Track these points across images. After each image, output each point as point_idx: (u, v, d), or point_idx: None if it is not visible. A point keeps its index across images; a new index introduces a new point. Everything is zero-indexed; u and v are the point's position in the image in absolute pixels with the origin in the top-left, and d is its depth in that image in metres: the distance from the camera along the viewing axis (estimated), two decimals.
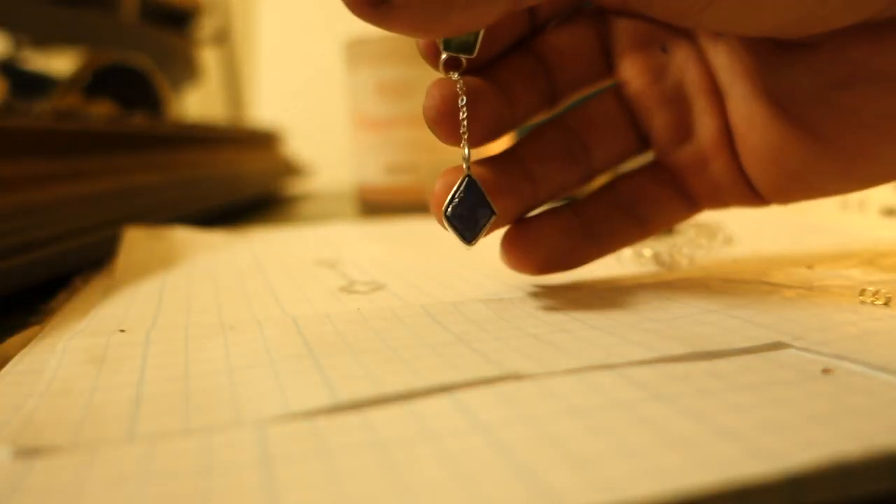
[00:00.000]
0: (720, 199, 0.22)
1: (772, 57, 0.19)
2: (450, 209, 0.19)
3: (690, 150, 0.21)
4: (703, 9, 0.17)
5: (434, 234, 0.35)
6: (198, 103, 0.85)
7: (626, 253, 0.29)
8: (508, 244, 0.21)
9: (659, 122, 0.21)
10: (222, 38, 0.87)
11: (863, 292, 0.20)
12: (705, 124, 0.21)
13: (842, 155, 0.19)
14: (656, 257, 0.27)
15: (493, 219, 0.19)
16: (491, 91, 0.20)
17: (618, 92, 0.22)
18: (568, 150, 0.21)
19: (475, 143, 0.19)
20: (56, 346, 0.18)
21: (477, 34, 0.19)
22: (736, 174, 0.21)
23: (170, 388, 0.15)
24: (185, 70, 0.72)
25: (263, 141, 0.72)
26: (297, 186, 0.77)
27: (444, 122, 0.19)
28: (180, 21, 0.71)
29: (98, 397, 0.15)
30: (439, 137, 0.19)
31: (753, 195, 0.21)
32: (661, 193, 0.22)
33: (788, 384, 0.14)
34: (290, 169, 0.74)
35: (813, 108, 0.18)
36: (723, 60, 0.20)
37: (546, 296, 0.22)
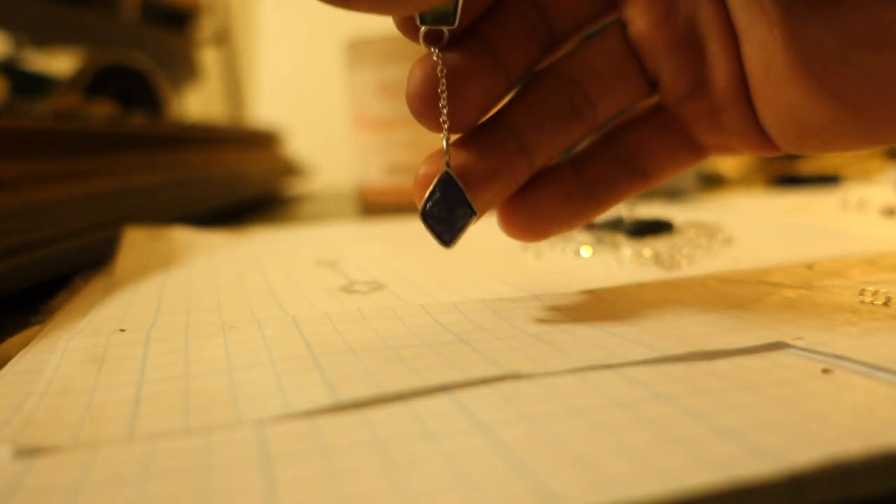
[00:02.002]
0: (730, 147, 0.20)
1: (793, 6, 0.17)
2: (427, 207, 0.18)
3: (702, 98, 0.20)
4: None
5: None
6: (198, 103, 0.85)
7: (627, 253, 0.29)
8: (506, 214, 0.20)
9: (669, 66, 0.19)
10: (222, 38, 0.87)
11: (863, 292, 0.20)
12: (719, 70, 0.19)
13: (864, 118, 0.17)
14: (656, 257, 0.27)
15: (473, 218, 0.18)
16: (477, 66, 0.18)
17: (623, 32, 0.20)
18: (570, 104, 0.20)
19: (462, 127, 0.18)
20: (56, 345, 0.18)
21: (456, 2, 0.17)
22: (750, 123, 0.20)
23: (170, 387, 0.15)
24: (185, 70, 0.72)
25: (263, 141, 0.72)
26: (297, 186, 0.77)
27: (427, 111, 0.18)
28: (180, 21, 0.71)
29: (98, 397, 0.15)
30: (425, 126, 0.18)
31: (766, 143, 0.20)
32: (666, 144, 0.20)
33: (788, 384, 0.14)
34: (290, 169, 0.74)
35: (835, 67, 0.17)
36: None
37: (546, 296, 0.22)
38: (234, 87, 0.93)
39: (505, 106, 0.20)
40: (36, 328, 0.21)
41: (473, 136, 0.19)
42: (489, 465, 0.11)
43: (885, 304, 0.19)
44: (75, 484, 0.11)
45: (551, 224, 0.20)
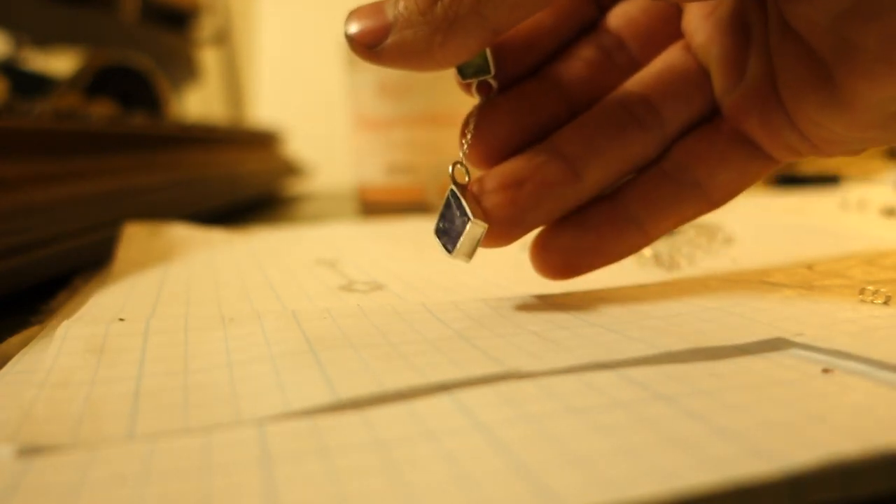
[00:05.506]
0: (788, 145, 0.19)
1: None
2: (437, 223, 0.19)
3: (745, 86, 0.19)
4: None
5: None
6: (198, 103, 0.84)
7: None
8: (532, 248, 0.20)
9: (717, 52, 0.20)
10: (222, 38, 0.87)
11: (863, 292, 0.20)
12: (758, 55, 0.19)
13: (843, 92, 0.17)
14: (656, 257, 0.27)
15: (469, 225, 0.18)
16: (504, 111, 0.19)
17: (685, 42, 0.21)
18: (630, 114, 0.20)
19: (481, 158, 0.20)
20: (55, 333, 0.18)
21: (485, 55, 0.19)
22: (787, 115, 0.19)
23: (169, 382, 0.15)
24: (185, 70, 0.72)
25: (263, 141, 0.72)
26: (297, 186, 0.77)
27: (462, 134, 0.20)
28: (180, 21, 0.71)
29: (97, 390, 0.15)
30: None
31: (805, 140, 0.19)
32: (718, 146, 0.20)
33: (788, 384, 0.14)
34: (290, 169, 0.74)
35: (825, 41, 0.17)
36: None
37: (547, 296, 0.22)
38: (234, 87, 0.93)
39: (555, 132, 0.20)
40: (36, 328, 0.21)
41: (513, 167, 0.19)
42: (489, 465, 0.11)
43: (885, 303, 0.19)
44: (75, 484, 0.11)
45: (571, 257, 0.20)
